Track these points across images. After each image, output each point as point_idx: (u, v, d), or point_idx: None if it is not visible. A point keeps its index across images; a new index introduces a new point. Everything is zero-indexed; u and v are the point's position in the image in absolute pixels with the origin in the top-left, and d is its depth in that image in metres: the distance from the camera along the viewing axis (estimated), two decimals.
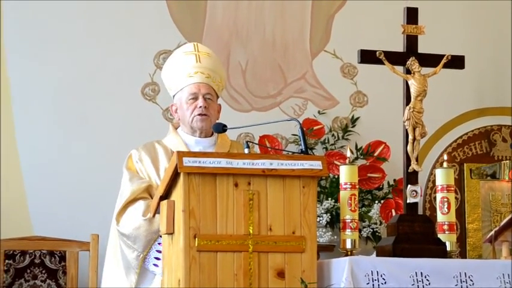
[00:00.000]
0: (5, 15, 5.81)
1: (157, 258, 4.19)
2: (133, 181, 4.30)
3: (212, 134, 4.44)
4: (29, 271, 5.46)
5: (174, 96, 4.47)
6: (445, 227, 4.29)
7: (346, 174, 4.23)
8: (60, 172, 5.76)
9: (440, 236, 4.27)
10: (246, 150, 4.01)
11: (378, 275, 3.89)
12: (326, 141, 6.04)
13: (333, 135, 6.10)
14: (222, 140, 4.45)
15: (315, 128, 5.98)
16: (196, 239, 3.75)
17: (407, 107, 4.33)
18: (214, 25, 6.09)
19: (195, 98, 4.36)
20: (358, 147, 6.00)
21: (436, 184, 4.37)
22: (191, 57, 4.40)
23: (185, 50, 4.45)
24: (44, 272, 5.46)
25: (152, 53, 5.99)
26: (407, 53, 4.40)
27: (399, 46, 4.44)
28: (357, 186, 4.24)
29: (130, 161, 4.39)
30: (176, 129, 4.48)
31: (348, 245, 4.18)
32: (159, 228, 4.07)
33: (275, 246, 3.81)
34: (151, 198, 4.24)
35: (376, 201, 5.85)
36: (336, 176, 5.71)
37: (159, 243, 4.18)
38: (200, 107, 4.34)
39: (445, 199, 4.31)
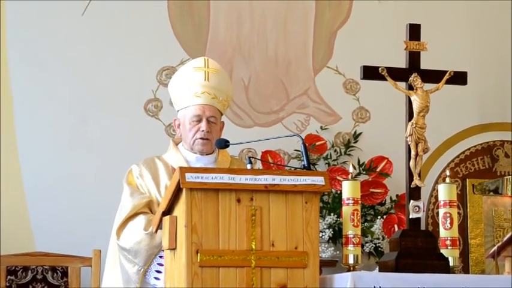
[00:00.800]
0: (7, 34, 5.83)
1: (159, 272, 4.19)
2: (134, 196, 4.30)
3: (213, 152, 4.44)
4: (31, 287, 5.45)
5: (178, 111, 4.46)
6: (448, 242, 4.28)
7: (348, 189, 4.23)
8: (62, 188, 5.76)
9: (443, 251, 4.27)
10: (249, 166, 4.01)
11: None
12: (328, 156, 6.04)
13: (335, 150, 6.10)
14: (223, 156, 4.44)
15: (317, 143, 5.99)
16: (199, 254, 3.74)
17: (410, 123, 4.33)
18: (217, 41, 6.11)
19: (199, 120, 4.35)
20: (361, 162, 6.00)
21: (439, 199, 4.37)
22: (200, 74, 4.39)
23: (195, 65, 4.42)
24: (46, 287, 5.46)
25: (155, 70, 6.00)
26: (410, 69, 4.41)
27: (402, 62, 4.45)
28: (360, 202, 4.24)
29: (130, 176, 4.39)
30: (177, 145, 4.48)
31: (351, 260, 4.17)
32: (160, 242, 4.07)
33: (277, 261, 3.80)
34: (152, 213, 4.24)
35: (379, 217, 5.85)
36: (339, 192, 5.71)
37: (160, 257, 4.17)
38: (203, 130, 4.33)
39: (448, 214, 4.31)
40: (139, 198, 4.28)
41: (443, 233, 4.31)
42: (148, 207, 4.29)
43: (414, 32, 4.44)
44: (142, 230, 4.18)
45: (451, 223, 4.30)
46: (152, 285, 4.20)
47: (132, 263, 4.18)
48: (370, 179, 5.91)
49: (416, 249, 4.21)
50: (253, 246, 3.79)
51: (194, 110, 4.35)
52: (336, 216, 5.74)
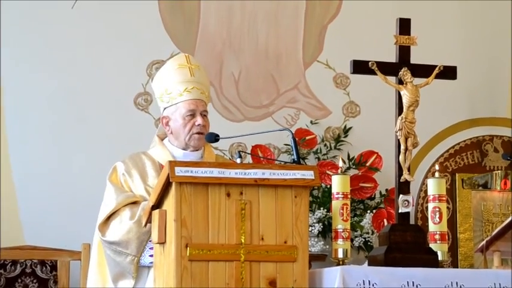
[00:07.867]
0: (1, 25, 5.81)
1: (152, 256, 4.15)
2: (118, 193, 4.28)
3: (199, 148, 4.44)
4: (20, 280, 5.45)
5: (165, 108, 4.45)
6: (437, 236, 4.29)
7: (338, 184, 4.24)
8: (51, 182, 5.75)
9: (432, 245, 4.28)
10: (238, 160, 4.01)
11: (369, 284, 3.90)
12: (318, 151, 6.05)
13: (325, 145, 6.11)
14: (209, 153, 4.44)
15: (307, 137, 5.99)
16: (188, 248, 3.75)
17: (400, 117, 4.34)
18: (207, 35, 6.10)
19: (193, 115, 4.36)
20: (351, 157, 6.00)
21: (428, 194, 4.38)
22: (185, 70, 4.40)
23: (178, 62, 4.44)
24: (35, 281, 5.45)
25: (145, 63, 5.99)
26: (400, 63, 4.41)
27: (392, 56, 4.45)
28: (349, 196, 4.25)
29: (114, 174, 4.37)
30: (162, 140, 4.47)
31: (340, 255, 4.18)
32: (148, 229, 4.06)
33: (267, 255, 3.81)
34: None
35: (368, 211, 5.86)
36: (328, 186, 5.71)
37: (150, 241, 4.14)
38: (199, 125, 4.34)
39: (437, 209, 4.32)
40: (124, 196, 4.26)
41: (432, 227, 4.32)
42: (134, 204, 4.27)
43: (404, 26, 4.45)
44: (129, 220, 4.18)
45: (440, 217, 4.31)
46: (149, 264, 4.18)
47: (124, 254, 4.17)
48: (359, 174, 5.91)
49: (406, 244, 4.22)
50: (243, 240, 3.79)
51: (187, 105, 4.36)
52: (325, 210, 5.75)
